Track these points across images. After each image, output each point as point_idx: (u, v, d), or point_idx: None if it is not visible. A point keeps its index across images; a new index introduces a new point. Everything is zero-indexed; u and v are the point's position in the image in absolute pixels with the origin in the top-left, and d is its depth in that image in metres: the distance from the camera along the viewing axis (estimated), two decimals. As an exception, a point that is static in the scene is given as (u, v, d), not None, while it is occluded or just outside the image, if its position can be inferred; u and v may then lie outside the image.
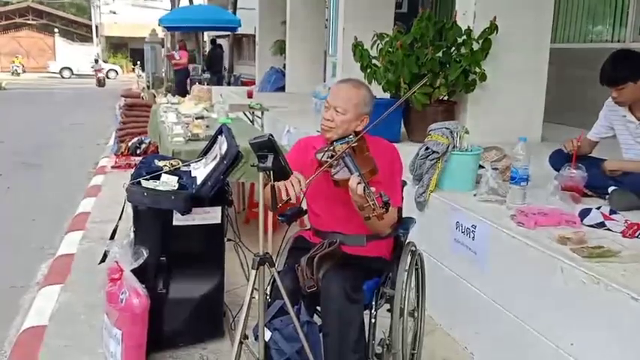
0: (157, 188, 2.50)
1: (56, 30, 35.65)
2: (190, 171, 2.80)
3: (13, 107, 15.61)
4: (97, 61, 27.19)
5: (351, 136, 2.15)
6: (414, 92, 3.97)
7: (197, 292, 2.68)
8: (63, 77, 31.39)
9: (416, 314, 2.39)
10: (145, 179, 2.55)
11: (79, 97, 18.99)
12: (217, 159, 2.64)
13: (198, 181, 2.60)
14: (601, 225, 2.40)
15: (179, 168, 2.79)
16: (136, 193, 2.48)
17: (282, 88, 10.62)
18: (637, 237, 2.28)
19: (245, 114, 6.48)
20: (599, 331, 1.92)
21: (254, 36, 14.52)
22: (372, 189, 1.87)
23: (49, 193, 6.22)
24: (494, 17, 4.02)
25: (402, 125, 4.51)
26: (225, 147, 2.63)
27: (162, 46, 18.47)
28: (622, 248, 2.14)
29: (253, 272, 1.90)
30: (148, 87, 14.45)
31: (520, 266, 2.31)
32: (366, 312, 2.13)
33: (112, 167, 6.72)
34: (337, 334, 2.02)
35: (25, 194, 6.18)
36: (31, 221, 5.23)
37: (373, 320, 2.13)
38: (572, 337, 2.04)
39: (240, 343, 1.95)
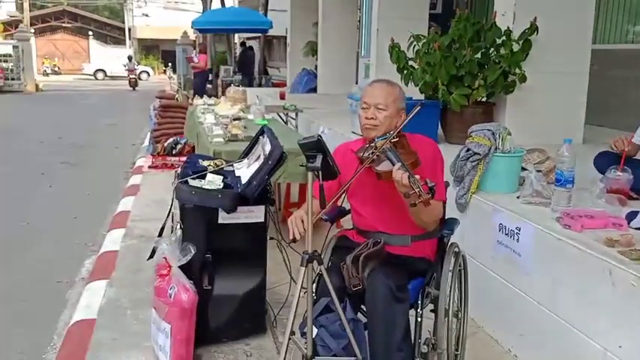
0: (204, 187, 2.56)
1: (90, 33, 36.54)
2: (234, 171, 2.86)
3: (50, 108, 16.06)
4: (130, 58, 25.69)
5: (392, 132, 2.18)
6: (453, 95, 3.98)
7: (241, 289, 2.74)
8: (97, 79, 32.12)
9: (459, 315, 2.40)
10: (192, 178, 2.62)
11: (113, 99, 19.40)
12: (261, 159, 2.70)
13: (243, 181, 2.66)
14: (649, 228, 2.37)
15: (223, 168, 2.85)
16: (185, 191, 2.55)
17: (314, 90, 10.67)
18: (686, 240, 2.24)
19: (279, 115, 6.55)
20: (649, 334, 1.91)
21: (285, 37, 14.61)
22: (417, 177, 1.90)
23: (88, 191, 6.40)
24: (535, 18, 3.98)
25: (439, 127, 4.49)
26: (268, 147, 2.69)
27: (194, 48, 18.76)
28: (671, 251, 2.11)
29: (302, 269, 1.93)
30: (180, 88, 14.70)
31: (566, 268, 2.30)
32: (412, 311, 2.15)
33: (149, 167, 6.86)
34: (383, 333, 2.04)
35: (65, 193, 6.37)
36: (72, 219, 5.40)
37: (419, 319, 2.15)
38: (620, 339, 2.03)
39: (289, 338, 1.98)
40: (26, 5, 28.29)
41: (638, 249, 2.15)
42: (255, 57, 17.13)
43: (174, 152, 7.24)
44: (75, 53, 36.65)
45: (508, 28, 4.09)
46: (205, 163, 2.88)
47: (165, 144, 7.32)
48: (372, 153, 2.10)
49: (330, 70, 10.26)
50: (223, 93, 11.11)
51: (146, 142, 8.71)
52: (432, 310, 2.26)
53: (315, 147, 1.85)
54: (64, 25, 37.90)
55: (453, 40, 4.17)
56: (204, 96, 7.00)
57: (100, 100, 18.76)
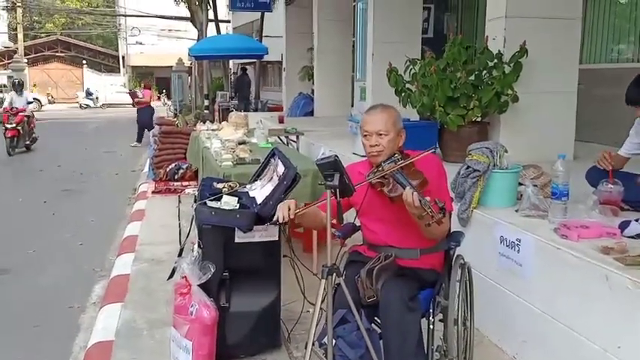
0: (222, 208, 2.70)
1: (84, 62, 36.80)
2: (248, 192, 3.00)
3: (46, 136, 16.12)
4: (18, 86, 12.65)
5: (396, 155, 2.33)
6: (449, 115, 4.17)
7: (257, 306, 2.86)
8: (92, 107, 32.28)
9: (467, 324, 2.53)
10: (210, 200, 2.76)
11: (109, 127, 19.53)
12: (275, 180, 2.84)
13: (258, 201, 2.80)
14: (641, 236, 2.53)
15: (237, 190, 2.99)
16: (204, 212, 2.69)
17: (311, 113, 10.90)
18: (677, 247, 2.40)
19: (280, 138, 6.71)
20: (646, 333, 2.05)
21: (280, 62, 14.87)
22: (427, 198, 2.04)
23: (92, 218, 6.49)
24: (524, 41, 4.20)
25: (437, 146, 4.67)
26: (282, 169, 2.83)
27: (189, 75, 19.03)
28: (663, 257, 2.26)
29: (323, 282, 2.06)
30: (175, 114, 14.82)
31: (566, 275, 2.45)
32: (424, 320, 2.28)
33: (153, 192, 6.97)
34: (398, 341, 2.17)
35: (69, 220, 6.45)
36: (78, 245, 5.49)
37: (432, 327, 2.28)
38: (619, 340, 2.17)
39: (310, 349, 2.10)
40: (20, 36, 28.59)
41: (632, 255, 2.30)
42: (251, 82, 17.38)
43: (176, 177, 7.37)
44: (69, 82, 36.81)
45: (499, 51, 4.31)
46: (220, 185, 3.02)
47: (168, 169, 7.45)
48: (382, 177, 2.24)
49: (326, 94, 10.51)
50: (221, 118, 11.29)
51: (146, 168, 8.83)
52: (440, 320, 2.39)
53: (332, 166, 2.01)
54: (57, 54, 38.16)
55: (447, 63, 4.38)
56: (207, 121, 7.15)
57: (96, 128, 18.90)
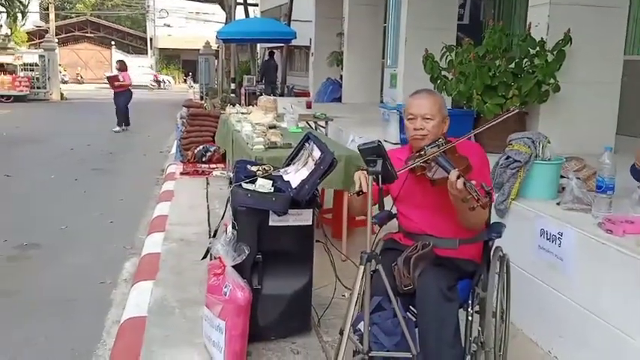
0: (258, 190, 2.68)
1: (113, 42, 37.20)
2: (281, 175, 2.97)
3: (76, 116, 16.39)
4: None
5: (440, 139, 2.27)
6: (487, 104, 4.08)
7: (289, 289, 2.85)
8: (119, 88, 32.66)
9: (504, 316, 2.48)
10: (245, 182, 2.75)
11: (136, 107, 19.67)
12: (310, 165, 2.81)
13: (293, 185, 2.77)
14: (689, 233, 2.43)
15: (271, 173, 2.97)
16: (240, 194, 2.68)
17: (338, 99, 10.82)
18: None
19: (308, 124, 6.67)
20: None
21: (307, 47, 14.79)
22: (473, 182, 1.99)
23: (121, 197, 6.59)
24: (568, 29, 4.07)
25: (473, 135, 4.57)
26: (318, 153, 2.80)
27: (216, 58, 19.06)
28: None
29: (361, 268, 2.02)
30: (201, 97, 14.86)
31: (609, 271, 2.37)
32: (461, 311, 2.24)
33: (181, 174, 7.02)
34: (435, 330, 2.13)
35: (99, 198, 6.55)
36: (109, 223, 5.56)
37: (470, 318, 2.24)
38: (665, 340, 2.10)
39: (347, 334, 2.07)
40: (52, 16, 28.95)
41: (680, 253, 2.22)
42: (278, 66, 17.34)
43: (204, 159, 7.41)
44: (98, 63, 37.33)
45: (542, 39, 4.18)
46: (254, 168, 3.00)
47: (196, 151, 7.49)
48: (425, 161, 2.19)
49: (355, 80, 10.40)
50: (247, 102, 11.30)
51: (174, 150, 8.89)
52: (477, 311, 2.34)
53: (375, 152, 1.96)
54: (87, 35, 38.66)
55: (487, 50, 4.27)
56: (237, 105, 7.15)
57: (124, 109, 19.03)
